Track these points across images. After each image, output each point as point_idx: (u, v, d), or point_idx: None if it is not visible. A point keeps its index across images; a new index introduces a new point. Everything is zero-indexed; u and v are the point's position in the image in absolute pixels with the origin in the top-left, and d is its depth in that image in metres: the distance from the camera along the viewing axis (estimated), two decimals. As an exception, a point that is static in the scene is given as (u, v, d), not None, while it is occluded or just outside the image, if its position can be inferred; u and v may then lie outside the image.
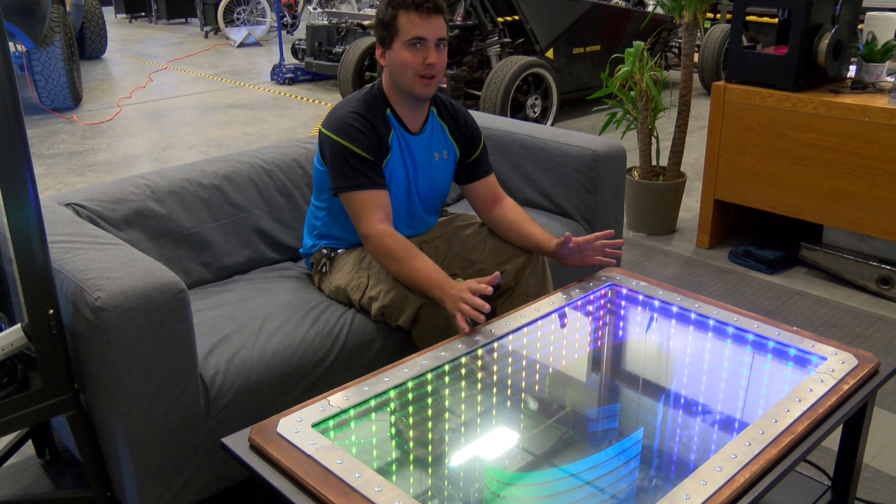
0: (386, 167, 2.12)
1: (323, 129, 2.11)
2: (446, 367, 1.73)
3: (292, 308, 2.08)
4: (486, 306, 1.83)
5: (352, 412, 1.57)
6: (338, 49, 7.36)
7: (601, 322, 2.07)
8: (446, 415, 1.68)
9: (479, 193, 2.29)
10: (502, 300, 2.19)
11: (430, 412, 1.67)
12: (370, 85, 2.19)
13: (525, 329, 1.90)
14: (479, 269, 2.21)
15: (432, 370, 1.70)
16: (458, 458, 1.60)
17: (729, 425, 1.67)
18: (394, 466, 1.54)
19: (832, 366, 1.69)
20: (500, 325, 1.87)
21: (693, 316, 1.96)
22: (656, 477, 1.55)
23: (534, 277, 2.19)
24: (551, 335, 1.96)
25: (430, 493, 1.49)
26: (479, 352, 1.79)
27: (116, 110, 6.69)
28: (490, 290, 1.84)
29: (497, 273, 1.90)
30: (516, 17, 6.03)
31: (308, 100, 7.17)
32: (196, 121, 6.38)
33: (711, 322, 1.93)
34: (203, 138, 5.82)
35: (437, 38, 2.03)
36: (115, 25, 12.42)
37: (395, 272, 2.01)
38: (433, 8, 2.02)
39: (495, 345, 1.83)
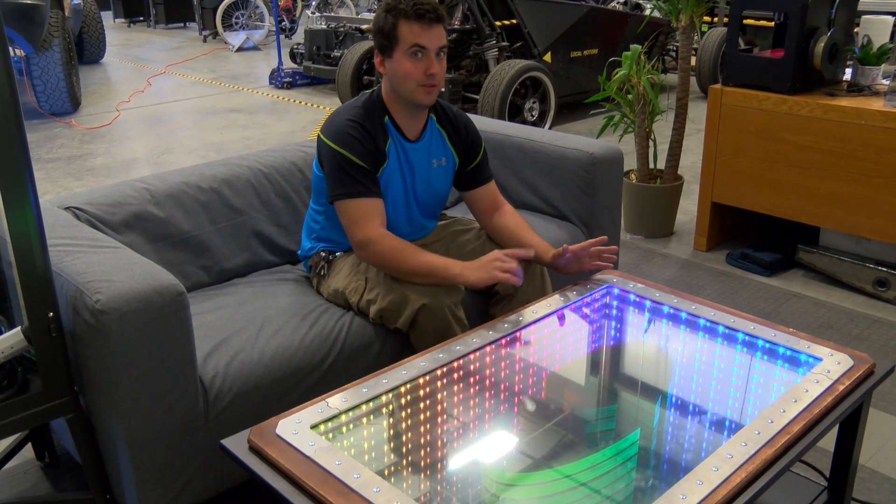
0: (382, 175, 2.12)
1: (321, 136, 2.11)
2: (444, 369, 1.73)
3: (291, 311, 2.09)
4: (519, 269, 2.01)
5: (350, 414, 1.58)
6: (336, 53, 7.38)
7: (599, 324, 2.08)
8: (444, 416, 1.69)
9: (479, 200, 2.29)
10: (501, 306, 2.20)
11: (428, 414, 1.67)
12: (369, 91, 2.18)
13: (523, 331, 1.90)
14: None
15: (430, 372, 1.71)
16: (456, 459, 1.61)
17: (725, 426, 1.68)
18: (392, 467, 1.55)
19: (828, 366, 1.70)
20: (497, 328, 1.88)
21: (690, 318, 1.97)
22: (653, 477, 1.56)
23: (532, 284, 2.19)
24: (549, 337, 1.97)
25: (428, 494, 1.50)
26: (477, 354, 1.80)
27: (115, 114, 6.69)
28: (531, 253, 2.11)
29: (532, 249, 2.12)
30: (514, 21, 6.05)
31: (306, 104, 7.19)
32: (195, 125, 6.39)
33: (708, 324, 1.94)
34: (202, 142, 5.83)
35: (438, 48, 2.03)
36: (114, 30, 12.43)
37: (404, 268, 2.00)
38: (435, 17, 2.00)
39: (493, 347, 1.84)
